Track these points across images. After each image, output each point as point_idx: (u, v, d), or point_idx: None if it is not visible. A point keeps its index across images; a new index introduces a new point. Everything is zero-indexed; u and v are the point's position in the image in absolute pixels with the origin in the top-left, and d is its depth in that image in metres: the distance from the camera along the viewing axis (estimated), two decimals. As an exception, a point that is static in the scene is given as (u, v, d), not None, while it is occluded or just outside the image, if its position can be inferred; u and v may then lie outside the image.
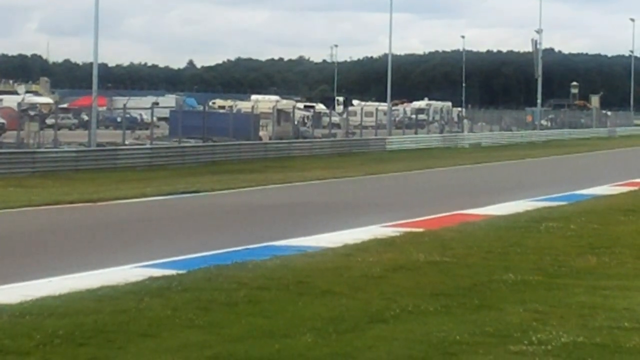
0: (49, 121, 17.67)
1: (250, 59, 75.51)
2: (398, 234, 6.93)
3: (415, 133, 26.32)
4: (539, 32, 36.64)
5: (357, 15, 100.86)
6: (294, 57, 79.11)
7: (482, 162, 18.79)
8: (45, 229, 7.74)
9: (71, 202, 9.60)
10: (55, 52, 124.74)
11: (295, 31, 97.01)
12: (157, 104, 23.83)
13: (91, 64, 18.12)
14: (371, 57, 72.13)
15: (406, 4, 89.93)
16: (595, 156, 22.70)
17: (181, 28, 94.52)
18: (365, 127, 23.95)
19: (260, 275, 5.11)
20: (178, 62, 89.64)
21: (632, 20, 44.59)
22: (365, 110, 25.53)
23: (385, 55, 33.12)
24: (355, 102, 40.50)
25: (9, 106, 22.24)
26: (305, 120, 23.58)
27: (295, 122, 22.14)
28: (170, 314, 4.07)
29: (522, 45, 66.03)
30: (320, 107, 34.64)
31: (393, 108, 30.49)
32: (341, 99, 44.87)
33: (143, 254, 6.06)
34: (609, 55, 71.00)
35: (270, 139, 20.53)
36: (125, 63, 70.98)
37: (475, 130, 29.94)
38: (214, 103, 35.84)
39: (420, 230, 7.18)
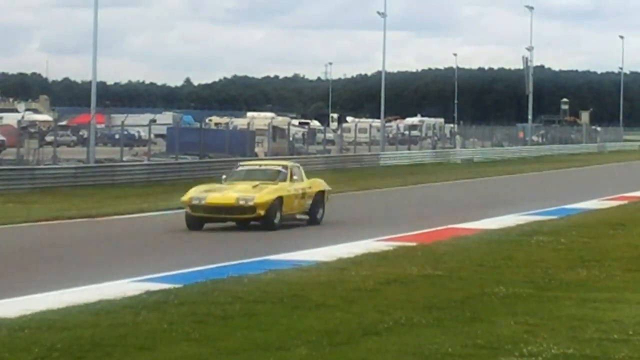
0: (48, 138, 17.67)
1: (246, 77, 76.15)
2: (391, 248, 7.00)
3: (409, 149, 26.44)
4: (530, 49, 37.31)
5: (352, 34, 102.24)
6: (290, 74, 79.95)
7: (474, 177, 18.88)
8: (45, 244, 7.79)
9: (70, 218, 9.64)
10: (55, 70, 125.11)
11: (291, 49, 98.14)
12: (154, 121, 23.83)
13: (90, 82, 18.20)
14: (365, 75, 72.99)
15: (403, 23, 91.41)
16: (585, 171, 22.85)
17: (179, 47, 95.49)
18: (359, 143, 24.06)
19: (255, 289, 5.16)
20: (175, 80, 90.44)
21: (622, 37, 45.37)
22: (359, 126, 25.60)
23: (379, 73, 33.28)
24: (349, 118, 40.72)
25: (9, 124, 22.25)
26: (304, 137, 23.75)
27: (291, 139, 22.25)
28: (167, 327, 4.12)
29: (513, 62, 67.17)
30: (314, 123, 34.85)
31: (386, 124, 30.64)
32: (335, 115, 45.05)
33: (140, 268, 6.11)
34: (599, 72, 72.07)
35: (265, 155, 20.54)
36: (124, 81, 71.40)
37: (467, 146, 30.09)
38: (210, 120, 35.93)
39: (413, 244, 7.25)
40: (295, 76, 79.11)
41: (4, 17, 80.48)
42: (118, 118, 26.97)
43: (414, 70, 77.08)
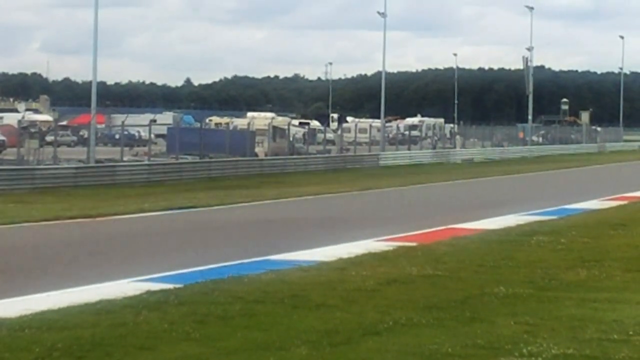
0: (49, 138, 17.76)
1: (246, 77, 76.54)
2: (391, 248, 7.01)
3: (409, 149, 26.48)
4: (530, 49, 37.38)
5: (352, 33, 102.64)
6: (290, 74, 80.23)
7: (474, 177, 18.89)
8: (45, 244, 7.79)
9: (70, 218, 9.66)
10: (55, 70, 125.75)
11: (291, 49, 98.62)
12: (154, 121, 24.04)
13: (90, 82, 18.23)
14: (365, 75, 73.18)
15: (403, 23, 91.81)
16: (585, 171, 22.85)
17: (179, 47, 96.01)
18: (359, 144, 24.09)
19: (255, 289, 5.17)
20: (176, 80, 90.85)
21: (622, 37, 45.43)
22: (359, 126, 25.63)
23: (379, 73, 33.47)
24: (349, 118, 40.84)
25: (9, 124, 22.37)
26: (304, 137, 23.77)
27: (291, 139, 22.30)
28: (167, 327, 4.13)
29: (513, 62, 67.45)
30: (315, 123, 34.96)
31: (386, 124, 30.70)
32: (335, 115, 45.24)
33: (141, 269, 6.12)
34: (599, 72, 72.32)
35: (265, 155, 20.59)
36: (124, 81, 71.88)
37: (467, 146, 30.16)
38: (210, 120, 36.15)
39: (414, 244, 7.27)
40: (296, 76, 79.53)
41: (5, 17, 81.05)
42: (118, 118, 27.11)
43: (414, 70, 77.64)
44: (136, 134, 23.76)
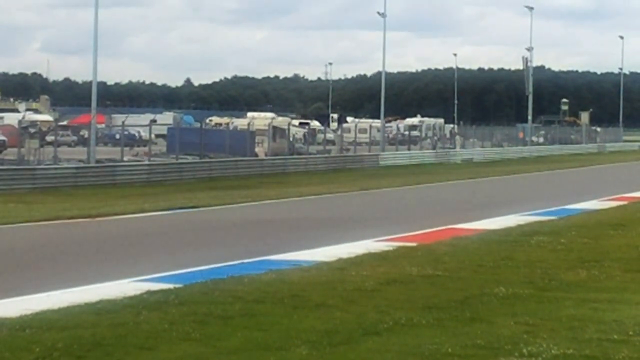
0: (49, 138, 17.87)
1: (246, 77, 76.89)
2: (391, 248, 7.02)
3: (408, 149, 26.56)
4: (529, 49, 37.43)
5: (352, 34, 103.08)
6: (290, 75, 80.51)
7: (474, 177, 18.92)
8: (45, 244, 7.80)
9: (71, 218, 9.67)
10: (56, 70, 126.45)
11: (291, 49, 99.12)
12: (155, 121, 24.15)
13: (90, 82, 18.38)
14: (365, 75, 73.40)
15: (403, 23, 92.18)
16: (585, 172, 22.89)
17: (180, 47, 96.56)
18: (359, 144, 24.17)
19: (255, 289, 5.18)
20: (176, 80, 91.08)
21: (622, 37, 45.56)
22: (359, 127, 25.72)
23: (379, 73, 33.56)
24: (349, 119, 40.92)
25: (9, 124, 22.51)
26: (305, 137, 23.80)
27: (291, 139, 22.34)
28: (168, 327, 4.13)
29: (513, 62, 67.77)
30: (315, 124, 35.03)
31: (386, 125, 30.83)
32: (335, 116, 45.34)
33: (141, 268, 6.13)
34: (599, 72, 72.53)
35: (266, 155, 20.64)
36: (124, 81, 72.19)
37: (467, 146, 30.20)
38: (210, 120, 36.33)
39: (413, 244, 7.28)
40: (296, 76, 79.79)
41: (6, 17, 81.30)
42: (118, 118, 27.21)
43: (414, 70, 78.03)
44: (136, 134, 23.82)
